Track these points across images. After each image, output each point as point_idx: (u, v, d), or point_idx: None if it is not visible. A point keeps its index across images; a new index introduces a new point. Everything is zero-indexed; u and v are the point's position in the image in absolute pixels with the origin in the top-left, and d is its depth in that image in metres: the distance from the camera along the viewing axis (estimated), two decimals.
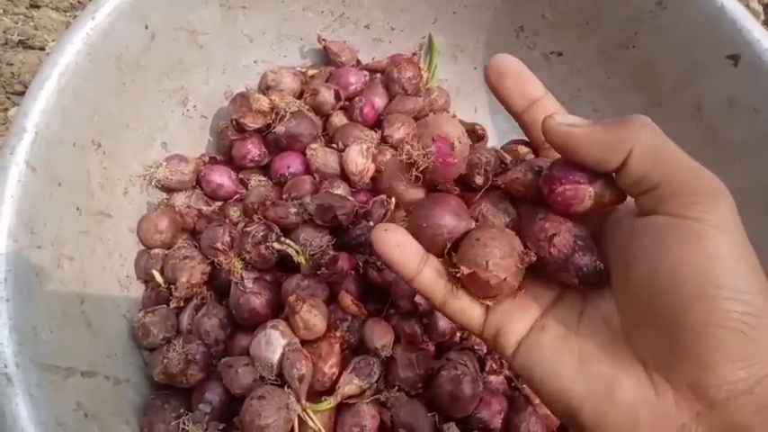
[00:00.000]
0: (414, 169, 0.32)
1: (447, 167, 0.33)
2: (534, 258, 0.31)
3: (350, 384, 0.48)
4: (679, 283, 0.26)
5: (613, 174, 0.30)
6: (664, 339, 0.27)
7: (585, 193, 0.30)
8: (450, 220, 0.32)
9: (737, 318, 0.25)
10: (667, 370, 0.27)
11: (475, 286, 0.32)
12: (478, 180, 0.34)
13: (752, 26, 0.49)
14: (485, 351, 0.55)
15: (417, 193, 0.35)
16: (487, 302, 0.32)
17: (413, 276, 0.32)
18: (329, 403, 0.47)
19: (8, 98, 0.74)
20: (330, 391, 0.48)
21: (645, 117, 0.29)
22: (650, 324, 0.28)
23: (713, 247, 0.26)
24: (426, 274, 0.32)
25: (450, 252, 0.32)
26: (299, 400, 0.45)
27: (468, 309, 0.33)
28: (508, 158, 0.36)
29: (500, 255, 0.31)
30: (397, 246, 0.32)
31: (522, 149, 0.38)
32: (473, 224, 0.33)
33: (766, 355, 0.25)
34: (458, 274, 0.32)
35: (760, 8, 0.79)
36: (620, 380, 0.28)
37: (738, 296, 0.25)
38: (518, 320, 0.32)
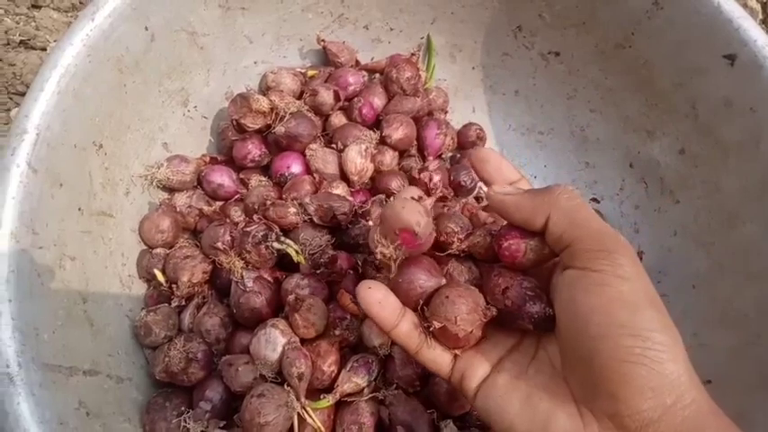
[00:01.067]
0: (393, 263, 0.37)
1: (417, 249, 0.37)
2: (495, 312, 0.36)
3: (349, 382, 0.48)
4: (589, 326, 0.31)
5: None
6: (585, 377, 0.31)
7: (526, 247, 0.36)
8: (422, 277, 0.37)
9: (640, 353, 0.29)
10: (591, 404, 0.31)
11: (445, 338, 0.37)
12: (455, 247, 0.40)
13: (749, 26, 0.49)
14: None
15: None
16: (456, 352, 0.37)
17: (390, 329, 0.37)
18: (328, 401, 0.47)
19: (10, 98, 0.75)
20: (329, 389, 0.48)
21: (565, 186, 0.35)
22: (575, 364, 0.32)
23: (614, 293, 0.30)
24: (403, 327, 0.37)
25: (422, 307, 0.37)
26: (298, 398, 0.46)
27: (439, 357, 0.38)
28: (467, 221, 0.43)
29: (466, 311, 0.36)
30: (378, 303, 0.36)
31: (483, 214, 0.46)
32: (443, 281, 0.38)
33: (672, 385, 0.29)
34: (430, 328, 0.36)
35: (758, 6, 0.79)
36: (555, 415, 0.32)
37: (639, 333, 0.29)
38: (479, 366, 0.37)
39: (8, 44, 0.76)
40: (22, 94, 0.75)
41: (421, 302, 0.37)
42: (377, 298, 0.37)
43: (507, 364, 0.36)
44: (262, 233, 0.51)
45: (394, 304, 0.37)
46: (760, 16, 0.79)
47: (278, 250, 0.51)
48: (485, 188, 0.64)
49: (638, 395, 0.29)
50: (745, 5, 0.77)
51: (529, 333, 0.37)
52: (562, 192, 0.35)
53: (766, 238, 0.50)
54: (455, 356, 0.37)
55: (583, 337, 0.31)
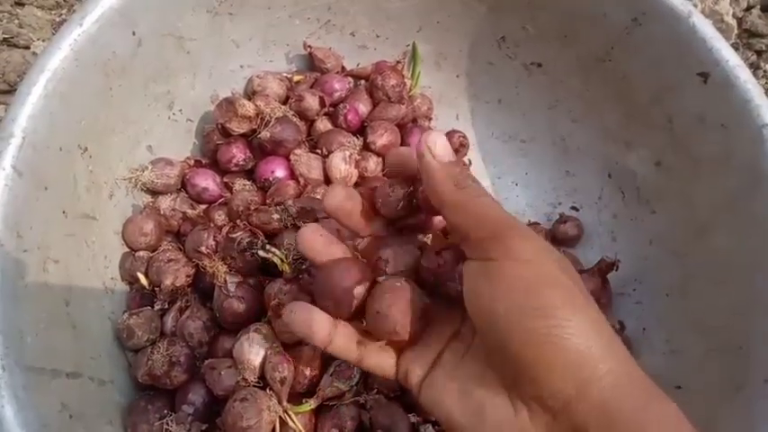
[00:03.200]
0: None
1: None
2: (428, 302, 0.37)
3: (330, 387, 0.49)
4: (495, 317, 0.30)
5: None
6: (504, 365, 0.31)
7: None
8: (346, 282, 0.37)
9: (545, 332, 0.29)
10: (516, 390, 0.31)
11: (380, 334, 0.37)
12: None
13: (721, 46, 0.51)
14: None
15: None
16: (397, 343, 0.38)
17: (326, 345, 0.37)
18: (310, 405, 0.48)
19: None
20: (310, 393, 0.49)
21: (459, 171, 0.34)
22: (493, 354, 0.32)
23: (511, 278, 0.30)
24: (337, 341, 0.37)
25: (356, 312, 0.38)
26: (280, 402, 0.46)
27: (382, 362, 0.38)
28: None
29: (399, 310, 0.36)
30: (306, 323, 0.37)
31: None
32: (367, 282, 0.38)
33: (583, 359, 0.28)
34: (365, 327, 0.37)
35: (734, 22, 0.81)
36: (489, 404, 0.32)
37: (542, 312, 0.29)
38: (419, 363, 0.37)
39: None
40: (4, 93, 0.75)
41: (354, 305, 0.37)
42: (303, 319, 0.37)
43: (446, 356, 0.37)
44: (247, 240, 0.52)
45: (323, 321, 0.37)
46: (735, 31, 0.82)
47: (263, 258, 0.51)
48: None
49: (551, 375, 0.29)
50: (721, 20, 0.79)
51: (466, 319, 0.36)
52: (460, 183, 0.34)
53: (736, 248, 0.52)
54: (397, 357, 0.38)
55: (493, 329, 0.31)
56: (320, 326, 0.37)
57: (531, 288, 0.30)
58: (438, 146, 0.35)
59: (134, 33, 0.53)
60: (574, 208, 0.68)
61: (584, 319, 0.29)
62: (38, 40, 0.78)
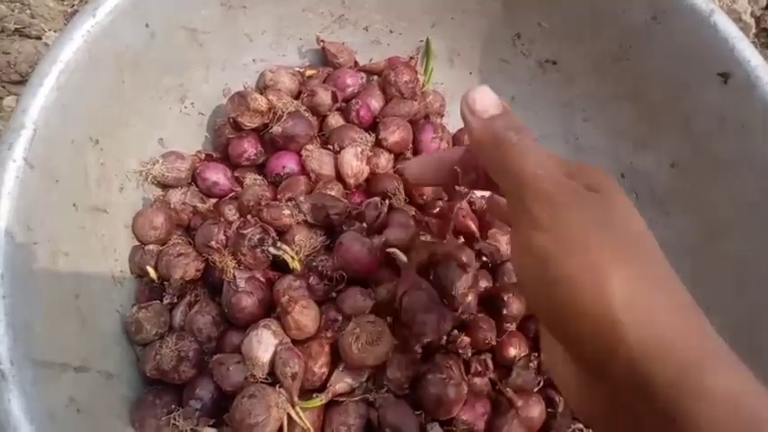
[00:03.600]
0: None
1: None
2: None
3: (341, 382, 0.49)
4: (524, 289, 0.29)
5: None
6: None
7: None
8: None
9: (554, 303, 0.27)
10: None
11: None
12: None
13: (743, 46, 0.50)
14: (470, 354, 0.56)
15: None
16: None
17: None
18: (320, 400, 0.48)
19: (3, 87, 0.74)
20: (319, 390, 0.49)
21: (490, 121, 0.31)
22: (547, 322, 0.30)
23: (533, 252, 0.28)
24: None
25: None
26: (291, 398, 0.46)
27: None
28: None
29: None
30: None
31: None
32: None
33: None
34: None
35: (752, 21, 0.80)
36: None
37: (561, 285, 0.26)
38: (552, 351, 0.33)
39: (2, 32, 0.75)
40: (16, 83, 0.75)
41: None
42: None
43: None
44: (258, 236, 0.51)
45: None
46: (753, 30, 0.80)
47: (273, 255, 0.51)
48: (478, 193, 0.65)
49: (582, 346, 0.26)
50: (739, 19, 0.78)
51: None
52: (499, 139, 0.30)
53: (752, 252, 0.51)
54: None
55: (534, 306, 0.29)
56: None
57: (545, 259, 0.27)
58: (478, 101, 0.32)
59: (147, 26, 0.53)
60: None
61: (626, 279, 0.26)
62: (50, 30, 0.78)
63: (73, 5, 0.81)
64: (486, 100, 0.32)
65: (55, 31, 0.78)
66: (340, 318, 0.51)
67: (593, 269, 0.26)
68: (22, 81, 0.74)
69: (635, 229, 0.29)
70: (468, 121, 0.32)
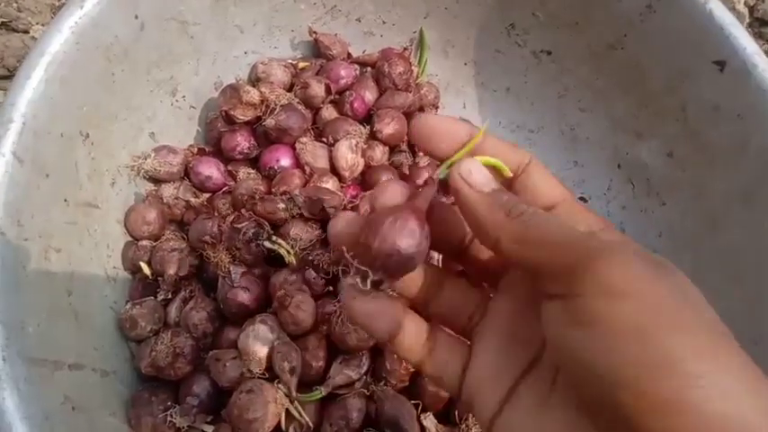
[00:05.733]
0: None
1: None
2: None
3: (341, 375, 0.49)
4: (594, 375, 0.22)
5: None
6: (613, 428, 0.23)
7: None
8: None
9: (672, 397, 0.20)
10: None
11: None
12: None
13: (739, 33, 0.50)
14: None
15: None
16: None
17: (389, 340, 0.30)
18: (320, 393, 0.48)
19: None
20: (317, 383, 0.49)
21: (506, 200, 0.27)
22: (597, 413, 0.24)
23: (606, 322, 0.22)
24: (403, 341, 0.30)
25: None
26: (291, 392, 0.46)
27: (449, 365, 0.30)
28: None
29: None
30: (370, 317, 0.29)
31: None
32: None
33: (731, 429, 0.20)
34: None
35: (745, 10, 0.80)
36: None
37: (662, 369, 0.21)
38: (492, 387, 0.29)
39: None
40: (3, 78, 0.74)
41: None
42: (366, 311, 0.28)
43: (524, 390, 0.28)
44: (252, 231, 0.51)
45: (390, 313, 0.29)
46: (747, 19, 0.80)
47: (269, 249, 0.50)
48: None
49: None
50: (732, 8, 0.78)
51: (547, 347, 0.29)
52: (513, 212, 0.26)
53: (749, 241, 0.51)
54: (463, 371, 0.30)
55: (596, 389, 0.22)
56: (388, 319, 0.29)
57: (640, 335, 0.21)
58: (474, 174, 0.28)
59: (136, 17, 0.52)
60: (582, 199, 0.67)
61: (726, 370, 0.21)
62: (37, 24, 0.76)
63: None
64: (483, 173, 0.28)
65: (42, 25, 0.76)
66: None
67: (708, 349, 0.21)
68: (10, 76, 0.73)
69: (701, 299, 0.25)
70: (467, 195, 0.27)
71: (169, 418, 0.46)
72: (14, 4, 0.76)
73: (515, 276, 0.31)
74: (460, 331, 0.32)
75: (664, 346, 0.21)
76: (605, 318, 0.22)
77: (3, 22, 0.74)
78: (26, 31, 0.75)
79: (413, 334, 0.30)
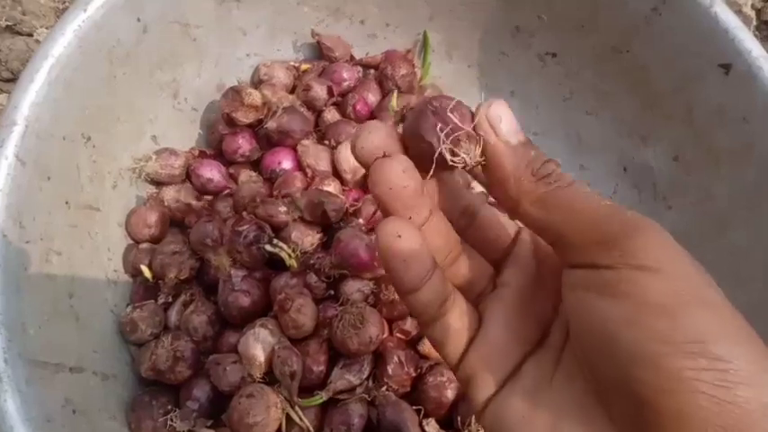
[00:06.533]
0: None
1: None
2: None
3: (341, 379, 0.48)
4: (615, 348, 0.22)
5: None
6: (625, 410, 0.22)
7: None
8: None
9: (693, 376, 0.20)
10: None
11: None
12: None
13: (744, 36, 0.49)
14: None
15: None
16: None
17: (410, 292, 0.27)
18: (321, 397, 0.47)
19: None
20: (318, 388, 0.48)
21: (536, 156, 0.25)
22: (608, 393, 0.23)
23: (639, 295, 0.21)
24: (424, 293, 0.27)
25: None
26: (291, 397, 0.46)
27: (455, 334, 0.28)
28: None
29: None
30: (404, 260, 0.25)
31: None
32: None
33: (753, 418, 0.19)
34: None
35: (752, 13, 0.79)
36: None
37: (687, 348, 0.20)
38: (492, 367, 0.27)
39: None
40: (7, 81, 0.74)
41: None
42: (405, 251, 0.25)
43: (527, 371, 0.27)
44: (253, 234, 0.51)
45: (425, 260, 0.26)
46: (754, 23, 0.80)
47: (270, 252, 0.50)
48: (479, 187, 0.64)
49: None
50: (739, 12, 0.77)
51: (557, 322, 0.28)
52: (540, 172, 0.25)
53: (755, 244, 0.51)
54: (468, 345, 0.28)
55: (610, 362, 0.22)
56: (421, 265, 0.26)
57: (669, 310, 0.21)
58: (504, 121, 0.25)
59: (139, 20, 0.52)
60: None
61: (752, 356, 0.20)
62: (41, 27, 0.76)
63: (64, 2, 0.80)
64: (511, 121, 0.25)
65: (46, 28, 0.76)
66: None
67: (736, 334, 0.21)
68: (14, 79, 0.73)
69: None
70: (494, 145, 0.25)
71: (169, 422, 0.46)
72: (19, 8, 0.76)
73: (523, 250, 0.30)
74: (497, 261, 0.31)
75: (693, 324, 0.20)
76: (636, 291, 0.21)
77: (7, 25, 0.74)
78: (30, 35, 0.75)
79: (435, 290, 0.27)
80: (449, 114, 0.25)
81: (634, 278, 0.22)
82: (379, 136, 0.26)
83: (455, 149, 0.25)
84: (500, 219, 0.30)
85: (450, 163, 0.25)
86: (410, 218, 0.26)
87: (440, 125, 0.25)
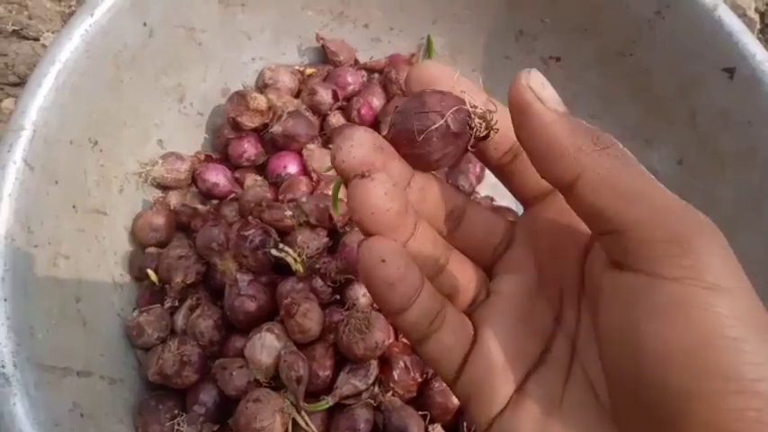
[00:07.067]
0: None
1: None
2: None
3: (347, 384, 0.48)
4: (666, 375, 0.19)
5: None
6: None
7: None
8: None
9: (755, 417, 0.18)
10: None
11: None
12: None
13: (748, 40, 0.49)
14: None
15: None
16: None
17: (399, 313, 0.24)
18: (327, 403, 0.48)
19: (1, 89, 0.73)
20: (324, 393, 0.48)
21: (608, 136, 0.22)
22: (640, 422, 0.21)
23: (707, 320, 0.19)
24: (413, 312, 0.24)
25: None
26: (298, 402, 0.46)
27: (449, 350, 0.25)
28: None
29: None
30: (390, 284, 0.23)
31: None
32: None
33: None
34: None
35: (756, 17, 0.79)
36: None
37: (752, 387, 0.18)
38: (494, 390, 0.25)
39: (0, 33, 0.74)
40: (14, 85, 0.74)
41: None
42: (390, 276, 0.23)
43: (532, 389, 0.24)
44: (259, 238, 0.51)
45: (412, 281, 0.23)
46: (758, 26, 0.80)
47: (276, 257, 0.50)
48: (482, 192, 0.64)
49: None
50: (743, 15, 0.78)
51: (559, 334, 0.26)
52: (603, 141, 0.21)
53: (760, 248, 0.51)
54: (465, 358, 0.25)
55: (655, 390, 0.19)
56: (409, 286, 0.23)
57: (735, 342, 0.18)
58: (547, 89, 0.22)
59: (145, 24, 0.52)
60: None
61: None
62: (47, 31, 0.77)
63: (71, 6, 0.80)
64: (553, 91, 0.23)
65: (53, 33, 0.77)
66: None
67: None
68: (21, 83, 0.73)
69: None
70: (540, 112, 0.22)
71: (176, 427, 0.46)
72: (25, 12, 0.77)
73: (518, 254, 0.27)
74: (487, 266, 0.28)
75: (757, 357, 0.18)
76: (709, 318, 0.18)
77: (14, 30, 0.74)
78: (36, 39, 0.75)
79: (423, 308, 0.24)
80: (445, 94, 0.24)
81: (707, 301, 0.19)
82: (361, 150, 0.23)
83: (470, 120, 0.24)
84: (488, 217, 0.28)
85: (468, 135, 0.24)
86: (395, 239, 0.23)
87: (443, 101, 0.24)
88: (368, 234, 0.23)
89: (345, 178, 0.23)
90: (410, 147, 0.24)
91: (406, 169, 0.25)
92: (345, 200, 0.23)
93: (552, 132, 0.22)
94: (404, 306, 0.24)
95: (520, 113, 0.22)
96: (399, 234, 0.24)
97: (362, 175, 0.23)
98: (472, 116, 0.24)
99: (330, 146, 0.61)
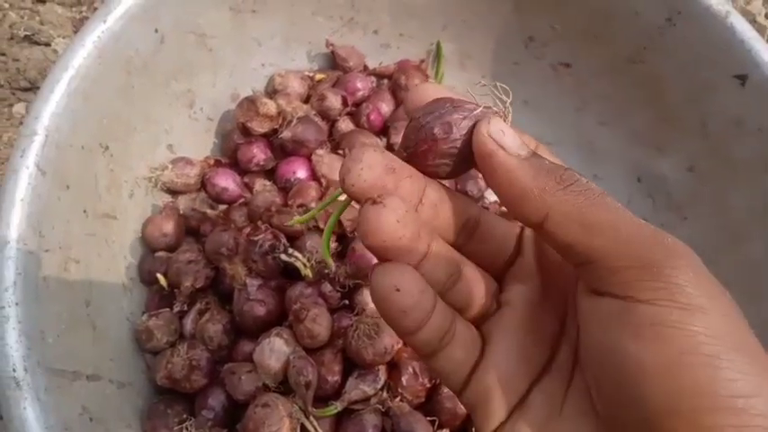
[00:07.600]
0: None
1: None
2: None
3: (356, 389, 0.48)
4: (645, 394, 0.19)
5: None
6: None
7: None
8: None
9: None
10: None
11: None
12: None
13: (760, 47, 0.49)
14: None
15: None
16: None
17: (409, 335, 0.24)
18: (336, 408, 0.47)
19: (13, 94, 0.74)
20: (333, 399, 0.48)
21: (571, 172, 0.23)
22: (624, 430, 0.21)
23: (682, 338, 0.19)
24: (424, 332, 0.24)
25: None
26: (306, 407, 0.46)
27: (458, 364, 0.26)
28: None
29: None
30: (403, 312, 0.23)
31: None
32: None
33: None
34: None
35: (767, 23, 0.79)
36: None
37: (729, 403, 0.18)
38: (503, 394, 0.25)
39: (12, 38, 0.75)
40: (26, 90, 0.75)
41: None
42: (404, 305, 0.23)
43: (536, 399, 0.25)
44: (269, 243, 0.51)
45: (425, 306, 0.23)
46: None
47: (285, 262, 0.50)
48: (491, 198, 0.64)
49: None
50: (753, 21, 0.77)
51: (563, 343, 0.26)
52: (565, 180, 0.22)
53: None
54: (472, 370, 0.26)
55: (635, 409, 0.20)
56: (421, 311, 0.24)
57: (711, 360, 0.19)
58: (508, 136, 0.23)
59: (156, 30, 0.52)
60: None
61: None
62: (58, 37, 0.77)
63: (81, 12, 0.81)
64: (514, 135, 0.24)
65: (64, 38, 0.77)
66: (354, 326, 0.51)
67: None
68: (32, 88, 0.74)
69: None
70: (502, 160, 0.23)
71: (184, 431, 0.46)
72: (37, 18, 0.77)
73: (526, 263, 0.27)
74: (499, 275, 0.28)
75: (737, 376, 0.18)
76: (682, 336, 0.19)
77: (25, 35, 0.75)
78: (48, 44, 0.76)
79: (436, 328, 0.24)
80: (457, 105, 0.25)
81: (681, 320, 0.19)
82: (371, 173, 0.23)
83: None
84: (501, 227, 0.28)
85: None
86: (408, 262, 0.23)
87: (458, 113, 0.25)
88: (380, 259, 0.24)
89: (357, 201, 0.23)
90: (432, 155, 0.24)
91: (417, 185, 0.25)
92: (346, 222, 0.23)
93: (516, 177, 0.22)
94: (416, 329, 0.24)
95: (484, 162, 0.23)
96: (413, 257, 0.24)
97: (374, 201, 0.22)
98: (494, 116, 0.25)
99: (339, 151, 0.62)
